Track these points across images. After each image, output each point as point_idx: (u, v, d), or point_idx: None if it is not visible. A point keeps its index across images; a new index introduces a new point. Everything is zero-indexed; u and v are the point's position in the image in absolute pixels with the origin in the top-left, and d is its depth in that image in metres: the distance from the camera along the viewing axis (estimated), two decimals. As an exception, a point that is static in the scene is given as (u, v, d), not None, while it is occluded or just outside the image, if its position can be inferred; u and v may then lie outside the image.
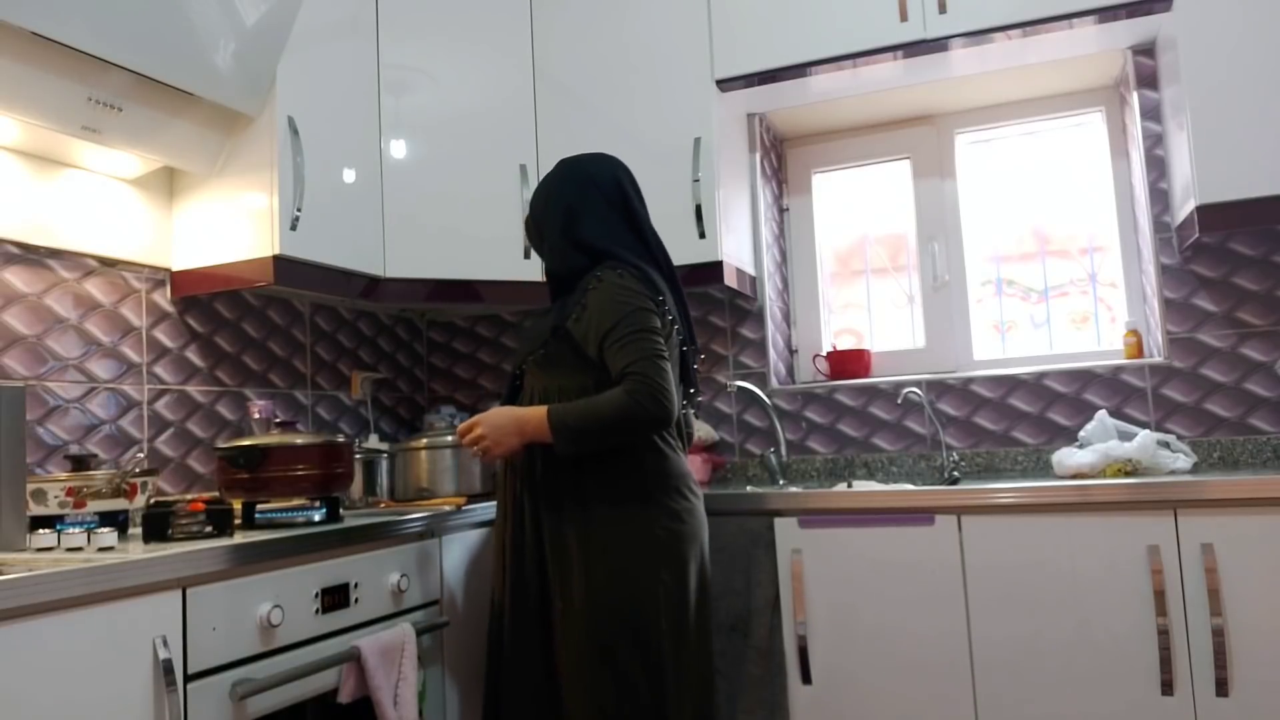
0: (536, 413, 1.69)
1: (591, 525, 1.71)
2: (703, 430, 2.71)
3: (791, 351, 2.91)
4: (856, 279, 2.95)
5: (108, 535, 1.54)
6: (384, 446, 2.58)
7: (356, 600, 1.77)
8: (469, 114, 2.60)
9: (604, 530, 1.70)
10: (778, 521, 2.11)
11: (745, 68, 2.49)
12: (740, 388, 2.72)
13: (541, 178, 1.95)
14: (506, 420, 1.72)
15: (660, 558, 1.70)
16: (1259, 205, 2.06)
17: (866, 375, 2.75)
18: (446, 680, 2.01)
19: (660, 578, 1.69)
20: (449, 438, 2.55)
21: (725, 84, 2.53)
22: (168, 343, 2.21)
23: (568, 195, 1.85)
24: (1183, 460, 2.08)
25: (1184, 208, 2.23)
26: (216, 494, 1.98)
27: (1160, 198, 2.43)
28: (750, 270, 2.72)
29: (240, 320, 2.41)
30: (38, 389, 1.92)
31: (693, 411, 1.90)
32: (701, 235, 2.44)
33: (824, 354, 2.81)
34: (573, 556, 1.72)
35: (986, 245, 2.79)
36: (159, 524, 1.64)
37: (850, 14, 2.38)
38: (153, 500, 1.84)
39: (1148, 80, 2.46)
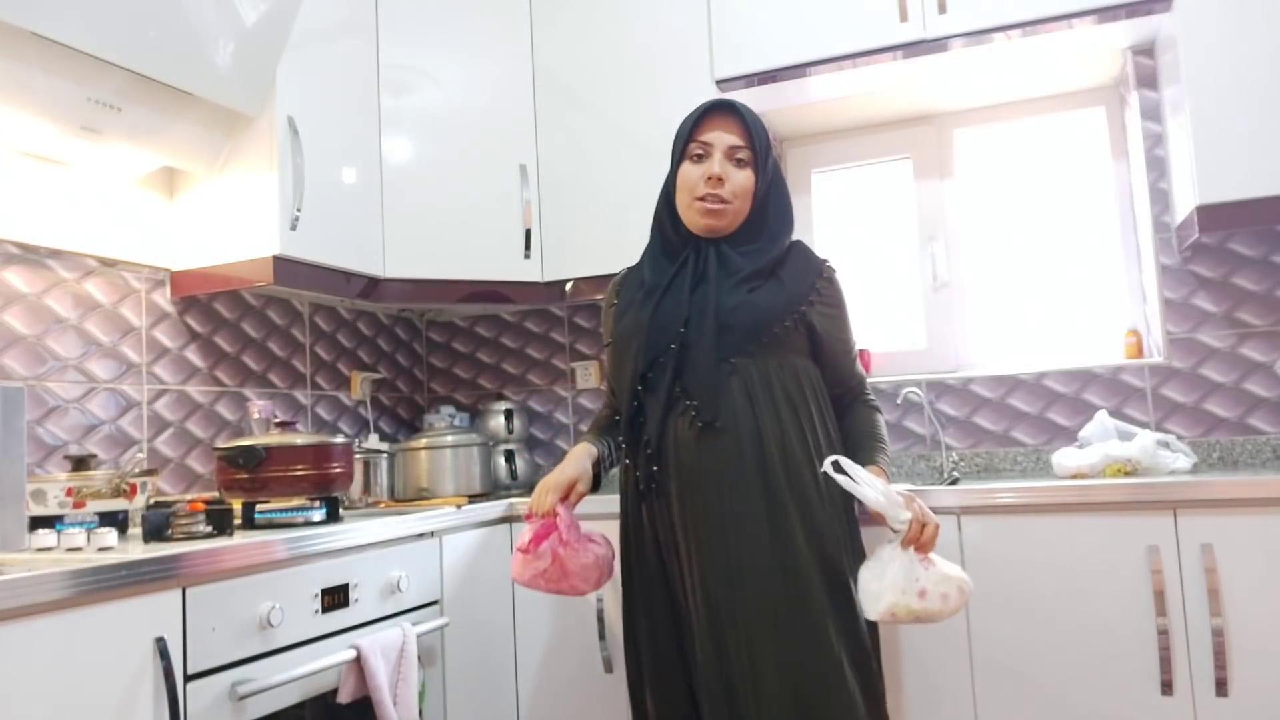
0: (879, 472, 1.69)
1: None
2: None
3: (791, 351, 2.91)
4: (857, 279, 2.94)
5: (107, 535, 1.54)
6: (384, 446, 2.59)
7: (356, 600, 1.77)
8: (469, 114, 2.60)
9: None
10: (778, 521, 2.10)
11: (745, 68, 2.49)
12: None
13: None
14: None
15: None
16: (1259, 205, 2.06)
17: (866, 375, 2.74)
18: (446, 680, 2.01)
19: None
20: (449, 438, 2.55)
21: (725, 84, 2.53)
22: (167, 343, 2.21)
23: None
24: (1183, 460, 2.08)
25: (1184, 208, 2.23)
26: (216, 494, 1.99)
27: (1160, 198, 2.42)
28: (750, 270, 2.71)
29: (240, 320, 2.41)
30: (38, 389, 1.92)
31: None
32: (701, 235, 2.44)
33: (824, 354, 2.80)
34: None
35: (986, 245, 2.78)
36: (159, 524, 1.64)
37: (850, 14, 2.38)
38: (152, 500, 1.84)
39: (1148, 80, 2.46)
